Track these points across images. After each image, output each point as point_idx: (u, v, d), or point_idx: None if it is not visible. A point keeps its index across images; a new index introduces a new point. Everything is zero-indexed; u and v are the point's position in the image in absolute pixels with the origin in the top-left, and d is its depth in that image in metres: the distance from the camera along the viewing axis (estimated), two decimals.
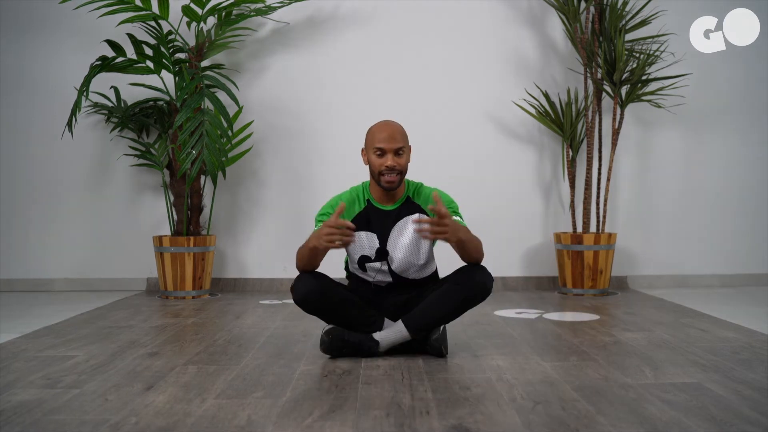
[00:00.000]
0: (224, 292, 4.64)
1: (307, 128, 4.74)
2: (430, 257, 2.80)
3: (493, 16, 4.74)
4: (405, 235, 2.72)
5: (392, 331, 2.67)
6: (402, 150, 2.66)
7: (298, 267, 2.65)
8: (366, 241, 2.72)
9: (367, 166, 2.73)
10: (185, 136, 4.12)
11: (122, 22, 4.20)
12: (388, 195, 2.74)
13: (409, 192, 2.78)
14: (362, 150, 2.75)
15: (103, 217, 4.75)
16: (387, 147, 2.64)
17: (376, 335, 2.67)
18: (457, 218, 2.65)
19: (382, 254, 2.73)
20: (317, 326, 3.11)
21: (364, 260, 2.74)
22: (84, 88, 4.13)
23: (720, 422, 1.88)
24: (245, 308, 3.96)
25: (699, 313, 3.66)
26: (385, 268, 2.74)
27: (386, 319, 2.71)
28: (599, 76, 4.47)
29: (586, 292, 4.40)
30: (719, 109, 4.83)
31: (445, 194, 2.76)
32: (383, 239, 2.72)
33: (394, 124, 2.71)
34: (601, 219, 4.56)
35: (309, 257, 2.58)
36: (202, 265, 4.35)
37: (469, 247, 2.57)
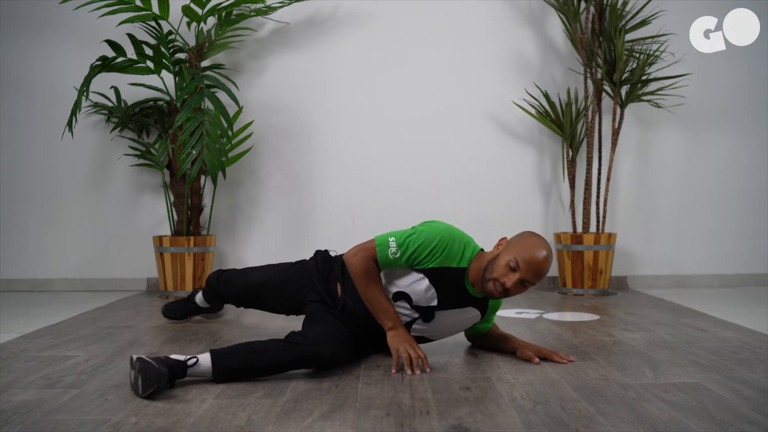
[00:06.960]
0: None
1: (307, 128, 4.74)
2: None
3: (493, 16, 4.74)
4: (458, 321, 2.62)
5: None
6: (532, 286, 2.47)
7: (358, 282, 2.49)
8: (424, 293, 2.52)
9: (488, 254, 2.51)
10: (185, 136, 4.12)
11: (122, 22, 4.20)
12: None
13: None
14: (502, 239, 2.52)
15: (103, 217, 4.75)
16: (527, 278, 2.40)
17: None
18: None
19: (428, 314, 2.56)
20: None
21: (403, 297, 2.54)
22: (84, 88, 4.13)
23: (720, 422, 1.88)
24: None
25: (699, 313, 3.66)
26: (415, 315, 2.56)
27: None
28: (599, 76, 4.47)
29: (586, 292, 4.40)
30: (719, 109, 4.83)
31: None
32: (441, 305, 2.55)
33: (548, 264, 2.42)
34: (601, 219, 4.56)
35: (368, 301, 2.50)
36: (202, 265, 4.35)
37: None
